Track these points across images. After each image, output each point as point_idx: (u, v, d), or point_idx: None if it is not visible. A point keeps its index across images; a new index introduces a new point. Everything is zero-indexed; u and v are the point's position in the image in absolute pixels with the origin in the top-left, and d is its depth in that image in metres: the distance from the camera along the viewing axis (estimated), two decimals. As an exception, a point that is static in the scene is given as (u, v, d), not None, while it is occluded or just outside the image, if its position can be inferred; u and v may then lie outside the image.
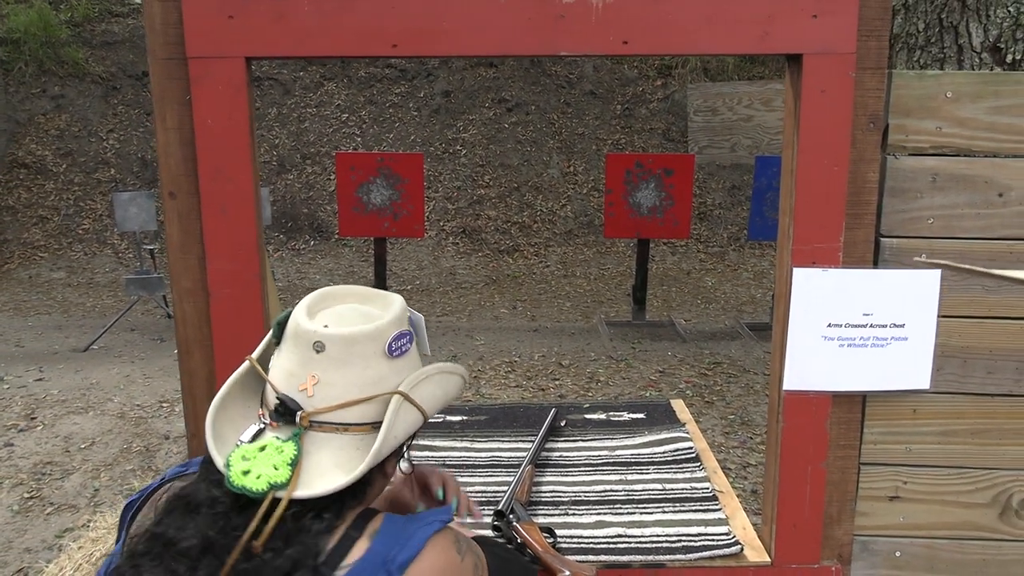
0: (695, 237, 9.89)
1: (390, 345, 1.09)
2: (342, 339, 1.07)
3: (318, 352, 1.06)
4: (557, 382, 5.66)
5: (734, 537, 1.64)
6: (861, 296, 1.52)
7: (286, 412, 1.06)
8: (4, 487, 4.03)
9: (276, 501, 1.01)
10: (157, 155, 1.43)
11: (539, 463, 1.94)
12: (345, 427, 1.07)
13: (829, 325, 1.53)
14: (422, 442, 2.08)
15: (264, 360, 1.15)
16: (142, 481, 4.10)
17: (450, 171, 10.72)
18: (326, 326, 1.08)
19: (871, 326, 1.54)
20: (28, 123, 10.92)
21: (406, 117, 11.18)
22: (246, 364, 1.15)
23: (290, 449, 1.04)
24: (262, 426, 1.08)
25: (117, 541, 1.16)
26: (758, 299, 8.35)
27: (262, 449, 1.04)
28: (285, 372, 1.09)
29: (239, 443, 1.07)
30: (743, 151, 10.71)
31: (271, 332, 1.15)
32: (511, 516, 1.61)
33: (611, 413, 2.29)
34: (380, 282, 6.99)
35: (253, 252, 1.45)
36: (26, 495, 3.95)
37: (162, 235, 9.57)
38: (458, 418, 2.26)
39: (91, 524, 3.37)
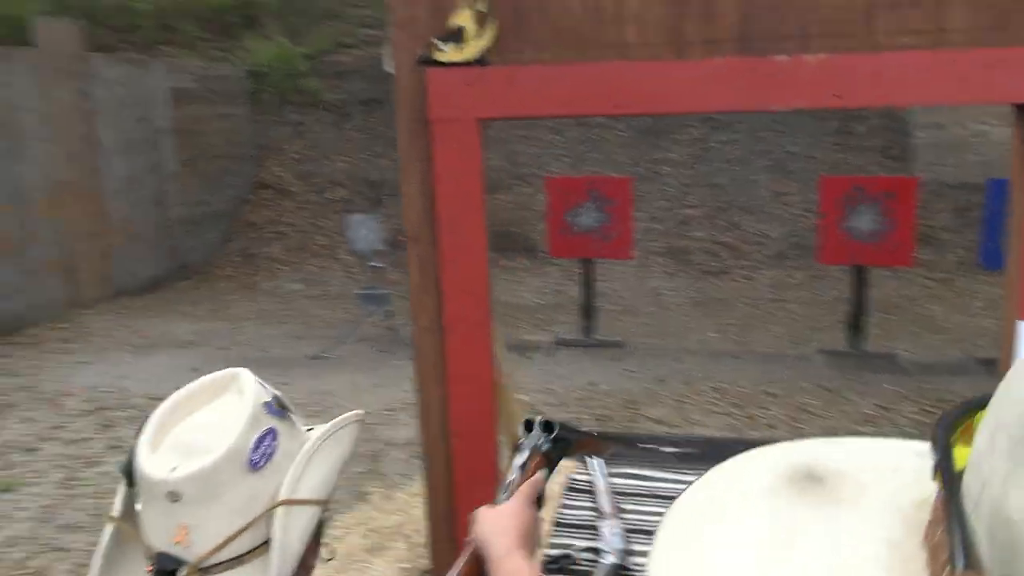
0: (918, 262, 9.29)
1: (251, 460, 0.96)
2: (195, 479, 0.94)
3: (175, 502, 0.94)
4: (765, 410, 5.55)
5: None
6: (1097, 351, 1.45)
7: (169, 574, 0.96)
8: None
9: None
10: (403, 207, 1.62)
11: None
12: (239, 559, 0.97)
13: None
14: (629, 470, 2.13)
15: (130, 511, 1.03)
16: (370, 482, 4.47)
17: (656, 191, 10.74)
18: (174, 469, 0.94)
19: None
20: (271, 148, 12.11)
21: (613, 137, 11.32)
22: (111, 527, 1.03)
23: None
24: None
25: None
26: (992, 331, 7.71)
27: None
28: (153, 527, 0.98)
29: None
30: (972, 169, 9.93)
31: (123, 479, 1.02)
32: None
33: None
34: (588, 302, 7.15)
35: (484, 294, 1.61)
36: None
37: (389, 255, 10.32)
38: (670, 449, 2.29)
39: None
